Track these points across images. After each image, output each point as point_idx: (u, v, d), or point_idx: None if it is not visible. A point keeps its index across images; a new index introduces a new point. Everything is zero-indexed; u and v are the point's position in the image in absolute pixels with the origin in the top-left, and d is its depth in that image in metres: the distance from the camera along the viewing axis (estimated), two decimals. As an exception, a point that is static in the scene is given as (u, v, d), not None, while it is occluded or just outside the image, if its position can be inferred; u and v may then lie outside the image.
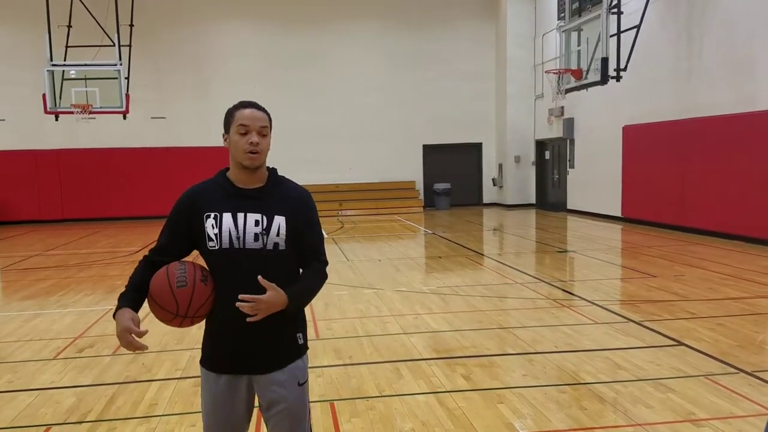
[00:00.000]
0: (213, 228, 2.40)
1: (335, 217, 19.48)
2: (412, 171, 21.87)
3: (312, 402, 4.50)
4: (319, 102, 21.04)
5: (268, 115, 2.52)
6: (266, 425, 2.55)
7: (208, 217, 2.41)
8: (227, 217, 2.40)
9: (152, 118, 19.99)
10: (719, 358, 5.29)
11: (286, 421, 2.49)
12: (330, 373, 5.19)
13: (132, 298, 2.44)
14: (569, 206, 18.79)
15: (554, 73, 15.38)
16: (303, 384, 2.54)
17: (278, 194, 2.49)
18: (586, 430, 3.98)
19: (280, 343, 2.47)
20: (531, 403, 4.42)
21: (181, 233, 2.48)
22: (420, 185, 21.86)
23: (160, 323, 2.50)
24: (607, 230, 14.60)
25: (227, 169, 2.53)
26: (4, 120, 19.47)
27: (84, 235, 16.20)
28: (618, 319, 6.67)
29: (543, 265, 10.55)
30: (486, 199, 22.32)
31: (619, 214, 16.02)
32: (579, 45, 14.67)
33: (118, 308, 2.39)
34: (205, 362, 2.53)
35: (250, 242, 2.40)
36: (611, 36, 13.33)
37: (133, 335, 2.34)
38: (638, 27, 13.21)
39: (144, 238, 15.04)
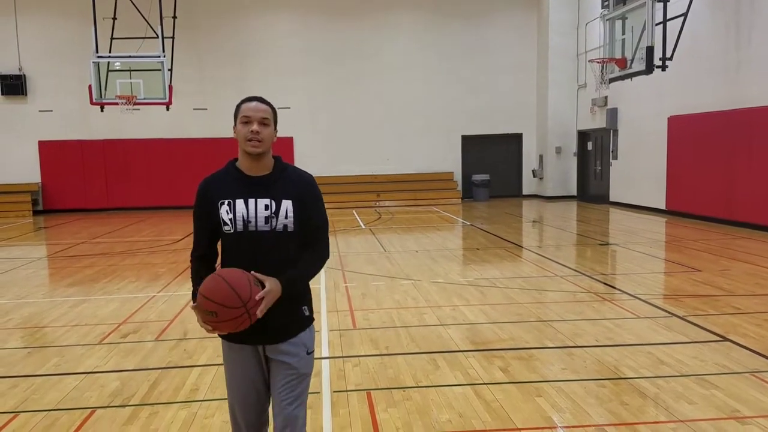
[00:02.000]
0: (227, 213, 2.65)
1: (372, 208, 19.51)
2: (451, 162, 21.74)
3: (348, 391, 4.56)
4: (358, 93, 21.06)
5: (273, 108, 2.73)
6: (272, 391, 2.76)
7: (223, 204, 2.66)
8: (240, 203, 2.65)
9: (194, 109, 20.29)
10: (766, 354, 5.14)
11: (293, 385, 2.73)
12: (367, 362, 5.21)
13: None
14: (612, 198, 18.45)
15: (598, 62, 15.06)
16: (311, 353, 2.81)
17: (285, 180, 2.72)
18: (627, 426, 3.91)
19: (287, 316, 2.71)
20: (570, 397, 4.37)
21: (206, 224, 2.73)
22: (458, 176, 21.72)
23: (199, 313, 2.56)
24: (651, 223, 14.30)
25: (236, 159, 2.77)
26: (51, 111, 20.01)
27: (128, 224, 16.57)
28: (661, 313, 6.53)
29: (584, 258, 10.39)
30: (526, 191, 22.06)
31: (663, 206, 15.67)
32: (623, 34, 14.34)
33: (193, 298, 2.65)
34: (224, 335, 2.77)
35: (261, 225, 2.65)
36: (657, 24, 12.99)
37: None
38: (685, 15, 12.86)
39: (186, 227, 15.31)
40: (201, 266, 2.79)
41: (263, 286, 2.55)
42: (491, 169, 21.54)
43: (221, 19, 20.48)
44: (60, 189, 20.11)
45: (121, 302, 7.53)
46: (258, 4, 20.61)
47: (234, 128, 2.71)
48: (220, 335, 2.73)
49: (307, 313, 2.80)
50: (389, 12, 21.05)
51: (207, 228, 2.73)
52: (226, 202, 2.66)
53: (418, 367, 5.06)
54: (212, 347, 5.65)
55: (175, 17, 17.27)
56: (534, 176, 21.76)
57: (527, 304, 7.04)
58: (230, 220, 2.64)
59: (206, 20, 20.33)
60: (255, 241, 2.65)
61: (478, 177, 21.26)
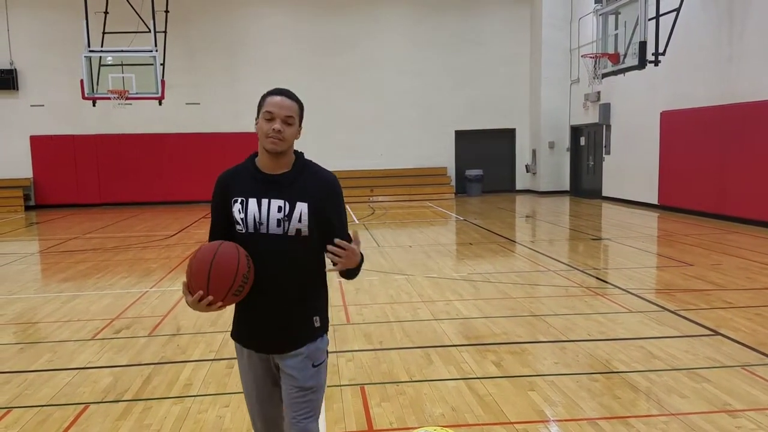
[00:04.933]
0: (239, 212, 2.49)
1: (366, 203, 19.50)
2: (444, 157, 21.74)
3: (342, 385, 4.57)
4: (351, 87, 21.01)
5: (299, 104, 2.54)
6: (284, 403, 2.63)
7: (236, 201, 2.51)
8: (252, 202, 2.49)
9: (187, 103, 20.21)
10: (756, 348, 5.18)
11: (300, 398, 2.57)
12: (360, 357, 5.22)
13: None
14: (604, 193, 18.51)
15: (591, 57, 15.10)
16: (318, 365, 2.61)
17: (303, 180, 2.53)
18: (619, 419, 3.93)
19: (295, 326, 2.55)
20: (563, 391, 4.39)
21: (221, 218, 2.60)
22: (452, 171, 21.74)
23: (192, 310, 2.52)
24: (643, 218, 14.36)
25: (256, 153, 2.59)
26: (43, 105, 19.87)
27: (120, 219, 16.51)
28: (653, 307, 6.57)
29: (576, 253, 10.43)
30: (519, 186, 22.11)
31: (655, 201, 15.73)
32: (616, 29, 14.37)
33: None
34: (233, 335, 2.70)
35: (273, 227, 2.48)
36: (650, 19, 13.03)
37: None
38: (678, 10, 12.89)
39: (179, 222, 15.27)
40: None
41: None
42: (484, 164, 21.55)
43: (213, 13, 20.38)
44: (52, 184, 19.99)
45: (114, 298, 7.51)
46: (250, -2, 20.52)
47: (256, 121, 2.54)
48: (230, 335, 2.71)
49: (317, 324, 2.62)
50: (382, 5, 20.99)
51: (221, 223, 2.59)
52: (239, 200, 2.50)
53: (412, 361, 5.08)
54: (205, 343, 5.65)
55: (167, 11, 17.19)
56: (527, 171, 21.80)
57: (520, 299, 7.07)
58: (242, 219, 2.49)
59: (198, 14, 20.21)
60: (266, 244, 2.48)
61: (471, 172, 21.27)
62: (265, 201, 2.48)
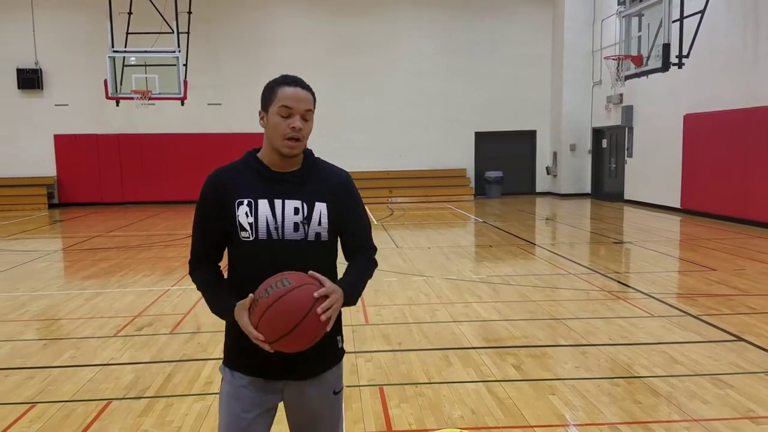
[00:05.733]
0: (247, 216, 2.11)
1: (384, 204, 19.51)
2: (464, 158, 21.69)
3: (361, 386, 4.57)
4: (371, 88, 21.03)
5: (313, 94, 2.19)
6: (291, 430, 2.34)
7: (241, 203, 2.12)
8: (263, 204, 2.12)
9: (208, 104, 20.37)
10: (782, 355, 5.11)
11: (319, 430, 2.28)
12: (379, 358, 5.22)
13: (228, 293, 2.15)
14: (626, 196, 18.34)
15: (613, 59, 14.98)
16: (338, 393, 2.30)
17: (317, 178, 2.21)
18: (640, 424, 3.90)
19: (318, 347, 2.09)
20: (583, 395, 4.36)
21: (215, 226, 2.18)
22: (471, 173, 21.67)
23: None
24: (666, 221, 14.20)
25: (256, 150, 2.25)
26: (67, 105, 20.15)
27: (143, 218, 16.69)
28: (675, 312, 6.50)
29: (598, 256, 10.35)
30: (539, 188, 21.98)
31: (678, 205, 15.55)
32: (640, 31, 14.25)
33: (227, 309, 2.10)
34: (234, 363, 2.23)
35: (289, 232, 2.13)
36: (674, 21, 12.89)
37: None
38: (702, 12, 12.74)
39: (199, 222, 15.38)
40: (211, 270, 2.24)
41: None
42: (504, 165, 21.45)
43: (235, 14, 20.52)
44: (75, 182, 20.28)
45: (136, 295, 7.59)
46: (272, -1, 20.65)
47: (261, 114, 2.18)
48: (224, 364, 2.27)
49: (340, 345, 2.29)
50: (403, 6, 20.99)
51: (215, 232, 2.18)
52: (246, 201, 2.12)
53: (431, 363, 5.07)
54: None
55: (190, 12, 17.34)
56: (548, 173, 21.67)
57: (540, 302, 7.02)
58: (250, 225, 2.11)
59: (221, 15, 20.36)
60: (280, 252, 2.11)
61: (491, 174, 21.19)
62: (278, 202, 2.13)
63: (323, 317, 1.97)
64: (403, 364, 5.05)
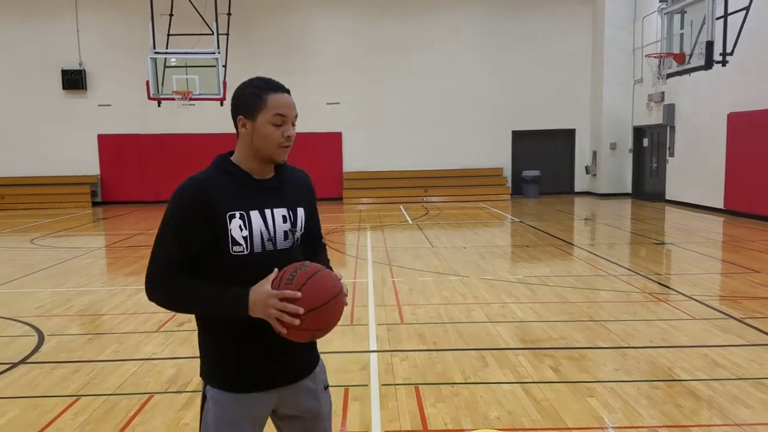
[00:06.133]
0: (242, 230, 2.02)
1: (419, 204, 19.49)
2: (500, 157, 21.53)
3: (397, 384, 4.59)
4: (406, 88, 21.01)
5: None
6: None
7: (233, 217, 2.02)
8: (255, 215, 2.05)
9: (247, 104, 20.57)
10: (831, 361, 4.96)
11: (317, 429, 2.27)
12: (414, 357, 5.23)
13: (229, 288, 2.02)
14: (668, 196, 17.98)
15: (655, 57, 14.68)
16: (327, 388, 2.32)
17: (290, 182, 2.19)
18: (680, 428, 3.83)
19: (305, 348, 2.17)
20: (622, 397, 4.30)
21: (196, 241, 2.02)
22: (508, 172, 21.50)
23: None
24: (708, 222, 13.89)
25: (228, 154, 2.16)
26: (110, 105, 20.63)
27: (182, 216, 16.94)
28: (717, 315, 6.36)
29: (638, 257, 10.18)
30: (578, 188, 21.69)
31: (721, 206, 15.19)
32: (682, 28, 13.93)
33: (239, 295, 1.98)
34: (226, 384, 2.12)
35: (281, 242, 2.10)
36: (717, 18, 12.58)
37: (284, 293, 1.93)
38: (747, 9, 12.40)
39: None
40: (190, 277, 2.04)
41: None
42: (542, 165, 21.22)
43: (273, 15, 20.72)
44: (117, 181, 20.76)
45: (176, 292, 7.71)
46: (310, -1, 20.79)
47: (241, 120, 2.10)
48: (215, 386, 2.14)
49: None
50: (440, 5, 20.92)
51: (198, 242, 2.01)
52: (238, 214, 2.02)
53: (467, 363, 5.06)
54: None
55: (229, 14, 17.57)
56: (587, 173, 21.37)
57: (579, 303, 6.94)
58: (245, 238, 2.02)
59: (259, 16, 20.59)
60: (271, 261, 2.03)
61: (528, 173, 20.99)
62: (268, 212, 2.08)
63: (345, 302, 2.03)
64: (439, 364, 5.05)
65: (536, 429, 3.88)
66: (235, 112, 2.14)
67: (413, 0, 20.84)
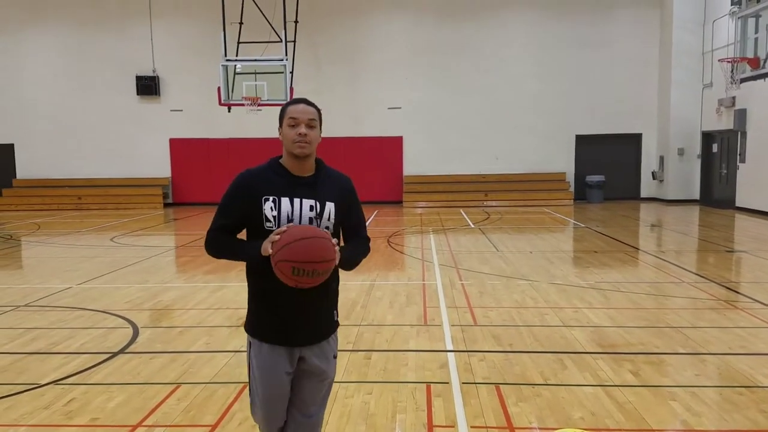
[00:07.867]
0: (272, 210, 2.67)
1: (480, 208, 19.50)
2: (563, 162, 21.35)
3: (477, 383, 4.72)
4: (468, 91, 21.08)
5: (318, 110, 2.78)
6: (297, 394, 2.84)
7: (267, 200, 2.68)
8: (285, 201, 2.69)
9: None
10: None
11: (321, 390, 2.87)
12: (492, 358, 5.35)
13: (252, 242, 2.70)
14: (738, 203, 17.50)
15: (728, 61, 14.38)
16: (335, 357, 2.90)
17: (328, 182, 2.79)
18: (768, 435, 3.85)
19: (322, 319, 2.82)
20: (705, 402, 4.33)
21: (238, 214, 2.73)
22: (571, 177, 21.30)
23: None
24: (782, 231, 13.49)
25: (279, 157, 2.81)
26: (181, 110, 21.42)
27: (250, 218, 17.44)
28: (799, 324, 6.26)
29: (709, 264, 10.01)
30: (644, 194, 21.31)
31: (796, 213, 14.72)
32: (756, 32, 13.62)
33: (255, 244, 2.64)
34: (256, 333, 2.80)
35: (304, 225, 2.69)
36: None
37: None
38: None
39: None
40: (232, 235, 2.77)
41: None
42: (607, 170, 20.91)
43: (338, 20, 21.09)
44: (188, 183, 21.52)
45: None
46: (372, 4, 21.06)
47: (279, 130, 2.76)
48: (249, 333, 2.82)
49: (336, 318, 2.90)
50: (503, 7, 20.91)
51: (238, 216, 2.73)
52: (271, 198, 2.68)
53: (545, 365, 5.15)
54: (342, 334, 5.96)
55: (296, 21, 18.04)
56: (653, 178, 20.97)
57: (653, 310, 6.93)
58: (274, 217, 2.66)
59: (323, 20, 20.95)
60: None
61: (592, 178, 20.73)
62: (297, 200, 2.69)
63: (331, 245, 2.56)
64: (517, 365, 5.16)
65: (621, 430, 3.96)
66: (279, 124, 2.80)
67: (475, 3, 20.90)
